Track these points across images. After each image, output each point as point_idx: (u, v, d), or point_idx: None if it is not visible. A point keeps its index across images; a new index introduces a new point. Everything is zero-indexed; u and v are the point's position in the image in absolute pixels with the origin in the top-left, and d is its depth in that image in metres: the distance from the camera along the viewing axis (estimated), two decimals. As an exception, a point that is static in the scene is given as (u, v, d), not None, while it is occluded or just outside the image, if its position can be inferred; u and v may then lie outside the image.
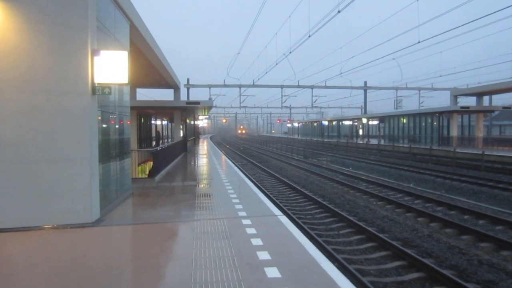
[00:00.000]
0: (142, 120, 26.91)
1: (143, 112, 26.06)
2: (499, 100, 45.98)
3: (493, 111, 37.14)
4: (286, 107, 55.73)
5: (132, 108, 13.58)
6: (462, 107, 30.17)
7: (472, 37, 26.96)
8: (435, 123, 32.28)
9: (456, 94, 33.56)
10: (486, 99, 35.74)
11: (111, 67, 6.44)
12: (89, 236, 5.90)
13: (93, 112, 6.49)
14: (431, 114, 32.52)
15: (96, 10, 6.56)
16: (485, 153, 20.67)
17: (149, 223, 6.65)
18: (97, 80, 6.39)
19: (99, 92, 6.47)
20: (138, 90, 26.22)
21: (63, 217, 6.20)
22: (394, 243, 7.59)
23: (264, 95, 63.08)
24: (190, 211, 7.37)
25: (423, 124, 33.92)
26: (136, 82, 21.48)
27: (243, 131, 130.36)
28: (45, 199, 6.16)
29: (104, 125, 7.42)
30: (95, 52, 6.33)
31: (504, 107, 33.63)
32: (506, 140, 31.49)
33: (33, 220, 6.05)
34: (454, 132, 30.69)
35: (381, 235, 8.15)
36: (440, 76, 36.22)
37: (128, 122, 9.69)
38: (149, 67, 16.53)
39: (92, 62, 6.29)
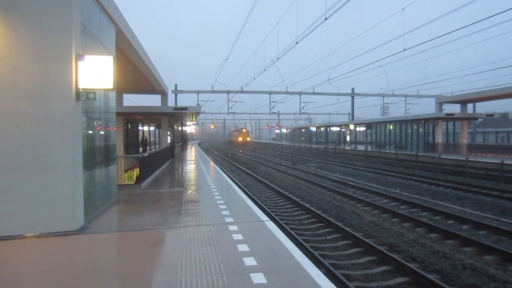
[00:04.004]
0: (129, 126, 26.67)
1: (130, 118, 25.84)
2: (483, 108, 46.94)
3: (476, 119, 37.95)
4: (274, 113, 56.03)
5: (118, 114, 13.43)
6: (447, 114, 30.72)
7: (456, 46, 27.53)
8: (420, 129, 32.76)
9: (441, 102, 34.18)
10: (470, 106, 36.48)
11: (96, 72, 6.38)
12: (72, 244, 5.79)
13: (77, 118, 6.41)
14: (417, 121, 33.01)
15: (81, 15, 6.50)
16: (469, 159, 21.04)
17: (135, 230, 6.57)
18: (81, 85, 6.32)
19: (84, 97, 6.40)
20: (125, 95, 26.01)
21: (46, 225, 6.07)
22: (380, 248, 7.65)
23: (253, 101, 63.14)
24: (177, 218, 7.31)
25: (409, 130, 34.39)
26: (123, 87, 21.31)
27: (247, 138, 78.55)
28: (27, 207, 6.03)
29: (89, 131, 7.33)
30: (79, 57, 6.27)
31: (488, 115, 34.40)
32: (489, 147, 32.16)
33: (14, 229, 5.91)
34: (439, 138, 31.19)
35: (367, 240, 8.20)
36: (426, 83, 37.15)
37: (115, 128, 9.59)
38: (136, 72, 16.44)
39: (76, 67, 6.22)
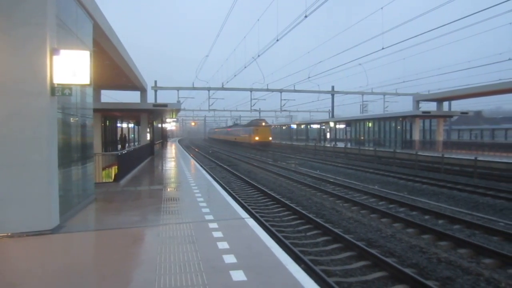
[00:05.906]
0: (108, 123, 26.15)
1: (109, 115, 25.34)
2: (458, 106, 48.31)
3: (452, 116, 39.01)
4: (255, 110, 55.87)
5: (96, 110, 13.14)
6: (423, 112, 31.46)
7: (433, 45, 28.23)
8: (398, 127, 33.47)
9: (418, 100, 34.95)
10: (446, 104, 37.47)
11: (72, 67, 6.20)
12: (47, 244, 5.63)
13: (52, 114, 6.21)
14: (395, 118, 33.70)
15: (56, 7, 6.29)
16: (445, 156, 21.65)
17: (113, 228, 6.44)
18: (56, 81, 6.13)
19: (59, 93, 6.21)
20: (103, 92, 25.47)
21: (19, 224, 5.86)
22: (359, 243, 7.77)
23: (234, 98, 63.05)
24: (156, 216, 7.21)
25: (387, 128, 35.07)
26: (101, 83, 20.87)
27: (268, 137, 49.25)
28: (-2, 205, 5.81)
29: (64, 128, 7.12)
30: (54, 51, 6.07)
31: (462, 112, 35.37)
32: (463, 143, 33.20)
33: (-15, 228, 5.69)
34: (416, 136, 31.95)
35: (346, 236, 8.31)
36: (404, 82, 37.68)
37: (92, 125, 9.37)
38: (115, 68, 16.10)
39: (52, 61, 6.03)
